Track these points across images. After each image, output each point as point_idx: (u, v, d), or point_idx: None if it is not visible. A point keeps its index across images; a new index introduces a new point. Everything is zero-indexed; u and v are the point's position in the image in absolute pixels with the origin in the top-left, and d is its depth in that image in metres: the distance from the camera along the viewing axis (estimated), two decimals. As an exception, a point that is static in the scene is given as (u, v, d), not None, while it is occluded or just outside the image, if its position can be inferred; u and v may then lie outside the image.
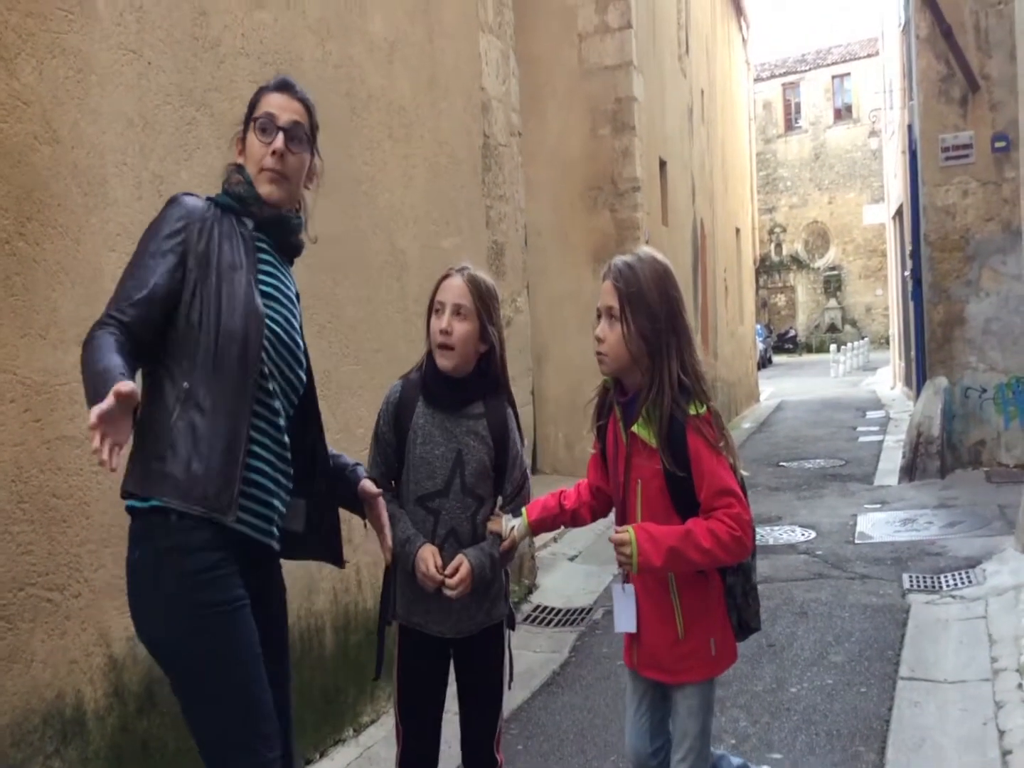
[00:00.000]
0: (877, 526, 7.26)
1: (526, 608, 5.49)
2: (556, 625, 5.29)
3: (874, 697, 4.10)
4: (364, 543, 3.44)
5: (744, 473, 2.40)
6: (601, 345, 2.35)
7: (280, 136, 2.13)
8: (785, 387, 21.97)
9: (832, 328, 37.77)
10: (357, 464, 2.43)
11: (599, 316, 2.38)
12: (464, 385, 2.54)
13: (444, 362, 2.50)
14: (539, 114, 8.87)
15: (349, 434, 3.83)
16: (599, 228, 9.02)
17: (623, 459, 2.38)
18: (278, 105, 2.15)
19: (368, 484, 2.39)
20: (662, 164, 10.72)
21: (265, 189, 2.13)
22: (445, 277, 2.54)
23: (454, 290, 2.50)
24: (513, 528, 2.52)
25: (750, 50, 21.14)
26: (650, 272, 2.32)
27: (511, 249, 5.72)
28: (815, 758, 3.57)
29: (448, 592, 2.43)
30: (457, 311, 2.47)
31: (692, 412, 2.26)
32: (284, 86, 2.20)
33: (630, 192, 9.15)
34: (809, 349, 37.33)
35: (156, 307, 1.96)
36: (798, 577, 6.01)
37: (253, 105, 2.18)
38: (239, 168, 2.16)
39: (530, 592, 5.70)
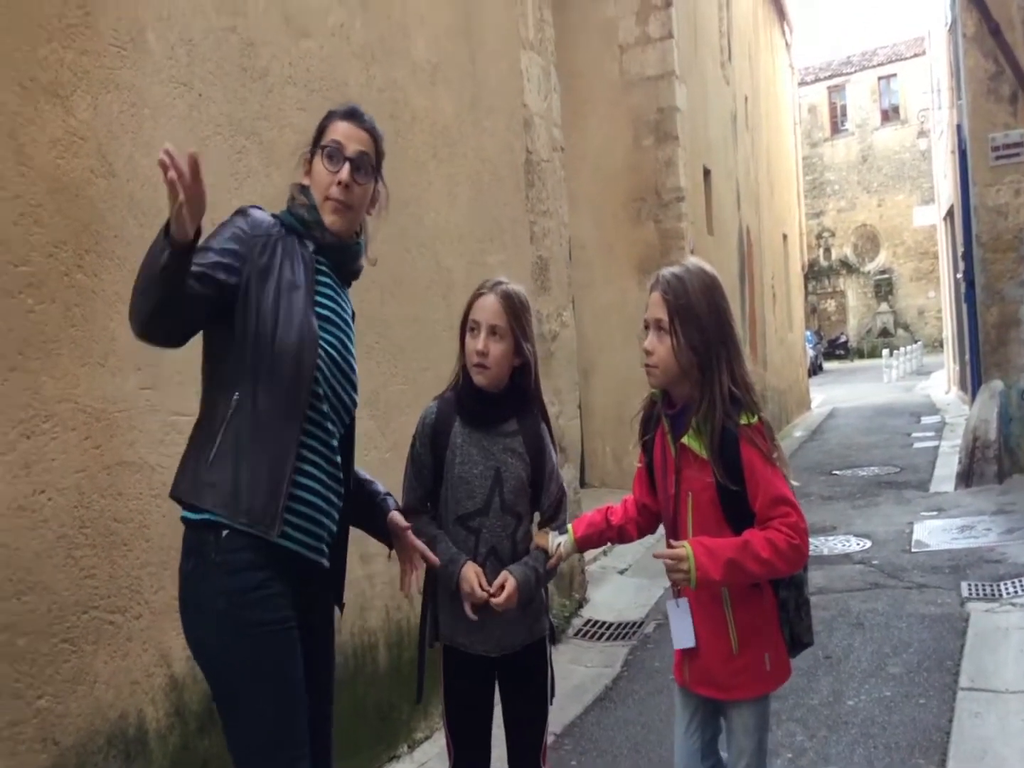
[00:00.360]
0: (934, 534, 7.13)
1: (577, 622, 5.48)
2: (608, 639, 5.28)
3: (934, 708, 4.03)
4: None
5: (794, 483, 2.38)
6: (650, 358, 2.33)
7: (347, 167, 2.15)
8: (837, 394, 21.69)
9: (884, 332, 37.21)
10: (388, 494, 2.44)
11: (646, 328, 2.36)
12: (500, 401, 2.55)
13: (480, 379, 2.51)
14: (581, 127, 8.89)
15: (398, 453, 3.85)
16: (643, 239, 9.01)
17: (672, 472, 2.36)
18: (345, 134, 2.17)
19: (397, 516, 2.39)
20: (706, 172, 10.68)
21: (329, 218, 2.16)
22: (479, 295, 2.54)
23: (489, 310, 2.50)
24: (559, 545, 2.52)
25: (794, 54, 20.98)
26: (698, 283, 2.30)
27: (555, 264, 5.75)
28: (873, 772, 3.53)
29: (495, 607, 2.44)
30: (493, 331, 2.48)
31: (744, 422, 2.24)
32: (352, 115, 2.22)
33: (674, 202, 9.12)
34: (861, 355, 36.83)
35: (208, 287, 1.97)
36: (854, 587, 5.93)
37: (321, 130, 2.21)
38: (304, 189, 2.19)
39: (580, 606, 5.69)
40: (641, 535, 2.61)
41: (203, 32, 2.98)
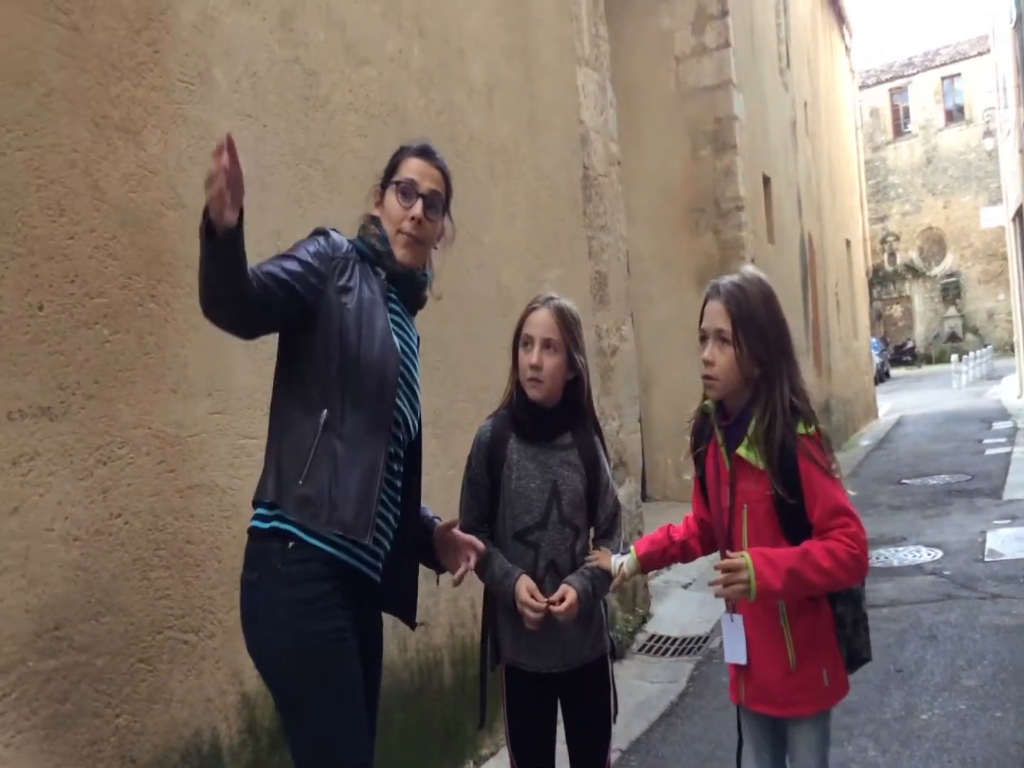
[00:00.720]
0: (1008, 542, 6.96)
1: (641, 638, 5.46)
2: (672, 655, 5.25)
3: (1011, 722, 3.94)
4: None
5: (851, 493, 2.35)
6: (711, 368, 2.29)
7: (419, 203, 2.22)
8: (904, 401, 21.28)
9: (952, 337, 36.42)
10: (436, 517, 2.47)
11: (703, 339, 2.32)
12: (554, 415, 2.57)
13: (535, 393, 2.54)
14: (638, 140, 8.89)
15: (460, 471, 3.86)
16: (702, 250, 8.97)
17: (727, 484, 2.33)
18: (419, 171, 2.25)
19: (440, 524, 2.42)
20: (766, 180, 10.59)
21: (400, 252, 2.23)
22: (532, 310, 2.57)
23: (542, 324, 2.53)
24: (622, 565, 2.52)
25: (854, 58, 20.71)
26: (758, 293, 2.28)
27: (614, 278, 5.75)
28: (949, 789, 3.47)
29: (556, 615, 2.44)
30: (547, 344, 2.51)
31: (802, 432, 2.21)
32: (425, 152, 2.29)
33: (733, 212, 9.07)
34: (929, 360, 36.08)
35: (283, 289, 2.02)
36: (925, 599, 5.82)
37: (394, 165, 2.28)
38: (376, 221, 2.26)
39: (644, 621, 5.67)
40: (705, 551, 2.58)
41: (267, 64, 3.06)
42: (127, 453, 2.48)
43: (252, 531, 2.12)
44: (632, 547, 2.56)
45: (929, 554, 6.91)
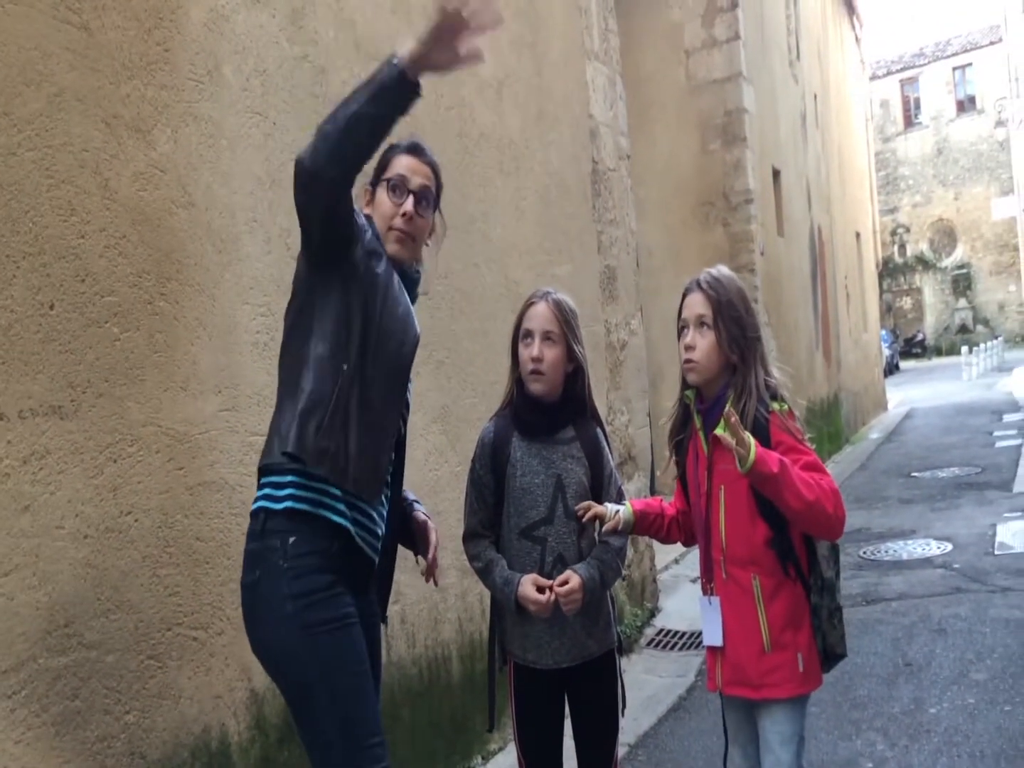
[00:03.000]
0: (1018, 536, 6.94)
1: (649, 632, 5.47)
2: (681, 649, 5.25)
3: (1020, 716, 3.94)
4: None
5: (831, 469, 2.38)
6: (691, 353, 2.41)
7: (410, 199, 2.24)
8: (914, 394, 21.20)
9: (963, 329, 36.28)
10: (416, 500, 2.48)
11: (682, 329, 2.45)
12: (556, 409, 2.59)
13: (537, 387, 2.55)
14: (647, 133, 8.86)
15: (468, 467, 3.91)
16: (712, 244, 8.94)
17: (704, 468, 2.42)
18: (409, 167, 2.26)
19: (420, 514, 2.43)
20: (776, 173, 10.55)
21: (392, 248, 2.24)
22: (530, 304, 2.60)
23: (541, 317, 2.55)
24: (618, 512, 2.53)
25: (864, 49, 20.59)
26: (732, 285, 2.43)
27: (623, 273, 5.74)
28: (957, 783, 3.47)
29: (563, 607, 2.45)
30: (547, 337, 2.53)
31: (775, 408, 2.32)
32: (415, 149, 2.30)
33: (743, 205, 9.04)
34: (939, 352, 35.93)
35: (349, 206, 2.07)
36: (935, 592, 5.82)
37: (384, 164, 2.29)
38: (367, 219, 2.26)
39: (653, 615, 5.68)
40: (684, 540, 2.65)
41: (276, 62, 3.06)
42: (137, 451, 2.49)
43: (262, 513, 2.09)
44: (627, 502, 2.59)
45: (939, 547, 6.90)
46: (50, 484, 2.26)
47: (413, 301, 2.36)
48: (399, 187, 2.24)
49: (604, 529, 2.52)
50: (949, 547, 6.86)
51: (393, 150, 2.29)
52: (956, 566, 6.35)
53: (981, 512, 7.92)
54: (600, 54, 5.63)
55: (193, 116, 2.74)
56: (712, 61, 9.08)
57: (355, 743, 2.04)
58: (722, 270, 2.48)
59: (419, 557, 2.44)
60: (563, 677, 2.58)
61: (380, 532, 2.22)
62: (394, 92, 1.94)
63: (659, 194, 9.05)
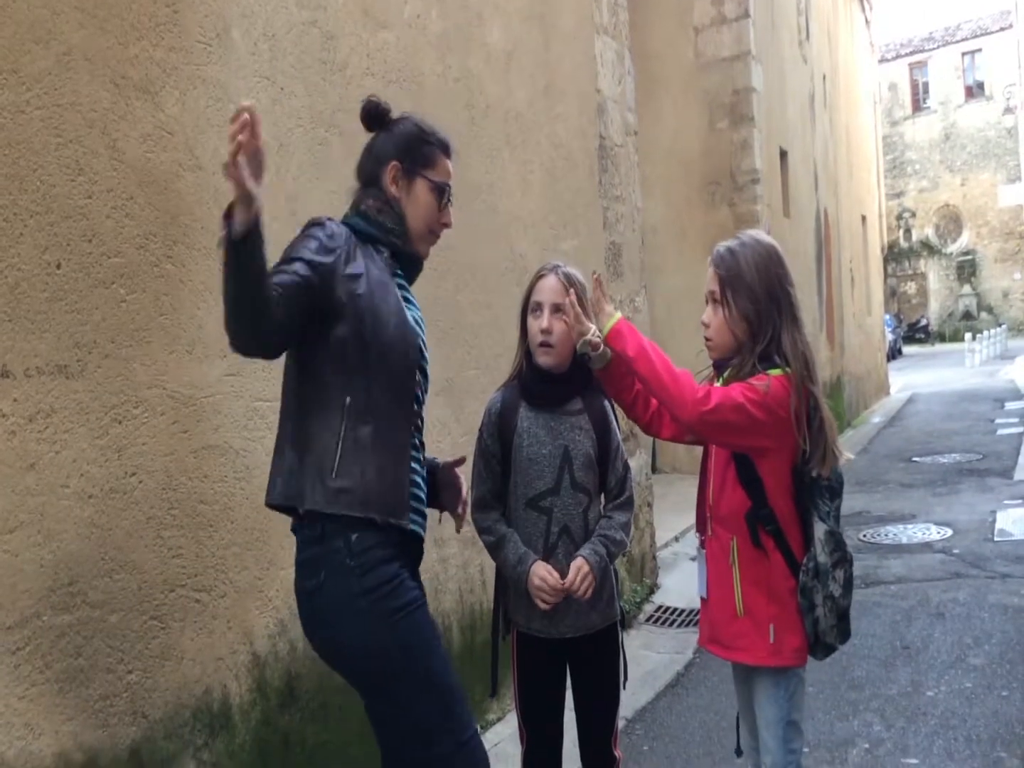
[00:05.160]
0: (1018, 523, 6.95)
1: (648, 608, 5.48)
2: (679, 626, 5.27)
3: (1016, 701, 3.96)
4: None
5: (849, 456, 2.35)
6: (707, 330, 2.39)
7: (450, 209, 2.27)
8: (917, 379, 21.18)
9: (967, 316, 36.20)
10: (435, 458, 2.46)
11: (707, 303, 2.40)
12: (565, 380, 2.59)
13: (546, 359, 2.56)
14: (655, 110, 8.82)
15: (472, 438, 3.87)
16: (717, 223, 8.90)
17: None
18: (450, 174, 2.27)
19: (448, 460, 2.43)
20: (783, 154, 10.50)
21: (423, 248, 2.27)
22: (540, 277, 2.60)
23: (551, 289, 2.55)
24: (600, 342, 2.42)
25: (874, 31, 20.45)
26: (751, 253, 2.32)
27: (628, 249, 5.73)
28: (954, 764, 3.48)
29: (577, 594, 2.47)
30: (556, 309, 2.53)
31: (773, 372, 2.25)
32: (451, 150, 2.29)
33: (749, 185, 9.01)
34: (942, 338, 35.87)
35: (305, 294, 1.99)
36: (934, 577, 5.84)
37: (427, 157, 2.23)
38: (388, 203, 2.20)
39: (652, 592, 5.70)
40: (646, 422, 2.57)
41: (285, 27, 3.04)
42: (142, 413, 2.49)
43: (306, 532, 2.09)
44: (617, 313, 2.40)
45: (938, 532, 6.91)
46: (55, 443, 2.27)
47: (415, 278, 2.33)
48: (444, 195, 2.25)
49: (579, 344, 2.44)
50: (949, 532, 6.88)
51: (433, 145, 2.25)
52: (956, 551, 6.36)
53: (981, 498, 7.93)
54: (609, 28, 5.59)
55: (201, 79, 2.73)
56: (721, 39, 9.02)
57: (451, 714, 2.07)
58: (746, 236, 2.39)
59: (444, 514, 2.43)
60: (566, 647, 2.60)
61: (424, 506, 2.25)
62: (235, 258, 1.83)
63: (665, 172, 9.01)
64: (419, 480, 2.22)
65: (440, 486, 2.40)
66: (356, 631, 2.05)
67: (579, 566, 2.49)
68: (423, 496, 2.24)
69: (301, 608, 2.13)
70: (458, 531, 2.47)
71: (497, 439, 2.60)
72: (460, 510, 2.41)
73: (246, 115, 1.76)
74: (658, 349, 2.28)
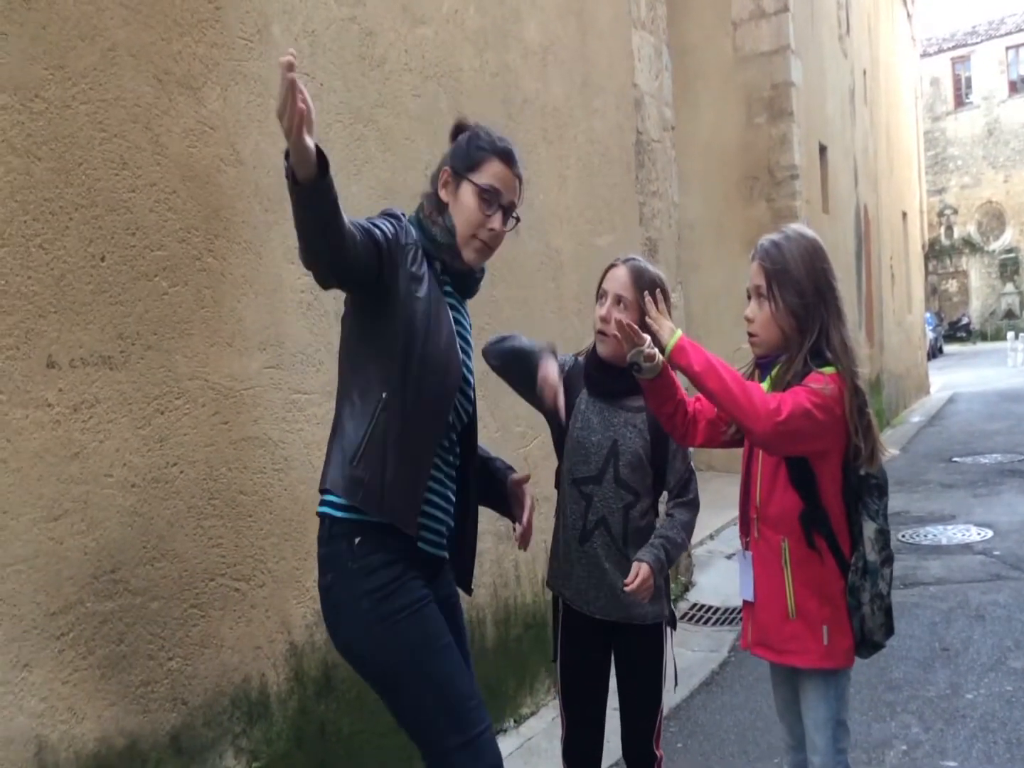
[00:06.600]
0: (1061, 525, 6.87)
1: (683, 606, 5.47)
2: (714, 624, 5.25)
3: (1058, 706, 3.91)
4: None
5: (893, 452, 2.30)
6: (751, 325, 2.35)
7: (500, 214, 2.17)
8: (958, 378, 20.89)
9: (1009, 314, 35.61)
10: (509, 468, 2.46)
11: (749, 298, 2.37)
12: (619, 373, 2.55)
13: (603, 348, 2.57)
14: (692, 105, 8.77)
15: (507, 432, 3.93)
16: (755, 219, 8.84)
17: None
18: (503, 180, 2.16)
19: (514, 476, 2.41)
20: (822, 149, 10.40)
21: (471, 256, 2.17)
22: (612, 266, 2.62)
23: (617, 280, 2.56)
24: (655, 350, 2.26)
25: (915, 25, 20.18)
26: (796, 248, 2.30)
27: (664, 245, 5.71)
28: (992, 767, 3.44)
29: (639, 597, 2.45)
30: (618, 301, 2.53)
31: (824, 371, 2.21)
32: (509, 157, 2.19)
33: (788, 180, 8.94)
34: (984, 337, 35.33)
35: (375, 245, 1.98)
36: (974, 578, 5.76)
37: (475, 161, 2.16)
38: (440, 208, 2.17)
39: (687, 590, 5.68)
40: (682, 434, 2.43)
41: (325, 23, 3.06)
42: (184, 404, 2.53)
43: (325, 518, 2.11)
44: (679, 330, 2.26)
45: (979, 533, 6.82)
46: (99, 433, 2.31)
47: (472, 294, 2.31)
48: (492, 200, 2.15)
49: (631, 353, 2.24)
50: (990, 533, 6.78)
51: (485, 149, 2.18)
52: (996, 553, 6.27)
53: (1023, 500, 7.82)
54: (647, 23, 5.57)
55: (242, 74, 2.76)
56: (760, 33, 8.95)
57: (456, 712, 2.07)
58: (790, 230, 2.37)
59: (516, 525, 2.41)
60: (609, 632, 2.61)
61: (445, 529, 2.22)
62: (299, 196, 1.81)
63: (702, 167, 8.96)
64: (439, 502, 2.17)
65: (508, 495, 2.41)
66: (358, 632, 2.07)
67: (637, 568, 2.46)
68: (444, 519, 2.19)
69: (321, 605, 2.15)
70: (523, 548, 2.42)
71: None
72: (524, 520, 2.38)
73: (291, 75, 1.74)
74: (724, 363, 2.20)
